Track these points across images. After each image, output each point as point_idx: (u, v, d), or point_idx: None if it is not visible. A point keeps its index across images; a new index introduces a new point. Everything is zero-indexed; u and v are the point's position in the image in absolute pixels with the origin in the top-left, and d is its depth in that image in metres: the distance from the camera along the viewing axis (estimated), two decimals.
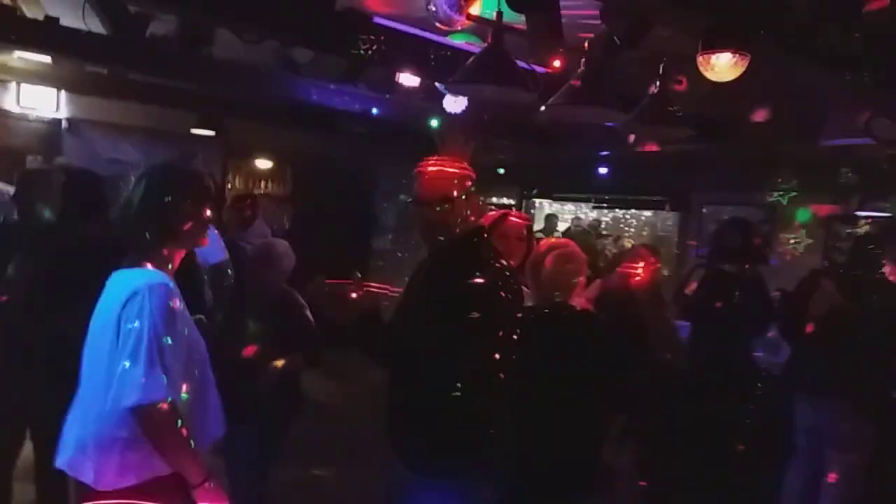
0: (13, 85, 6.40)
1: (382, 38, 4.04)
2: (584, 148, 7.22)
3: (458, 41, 4.36)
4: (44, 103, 6.70)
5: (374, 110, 6.00)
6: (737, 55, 3.03)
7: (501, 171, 8.62)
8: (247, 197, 5.53)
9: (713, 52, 3.05)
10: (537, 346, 2.54)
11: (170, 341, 1.87)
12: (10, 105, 6.54)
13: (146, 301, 1.87)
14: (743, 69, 3.07)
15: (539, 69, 4.05)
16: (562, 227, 10.53)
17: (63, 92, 6.69)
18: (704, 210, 8.16)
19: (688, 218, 8.51)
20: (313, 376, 4.07)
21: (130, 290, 1.90)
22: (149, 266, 1.98)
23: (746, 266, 3.94)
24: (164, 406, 1.82)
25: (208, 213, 2.09)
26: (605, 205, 10.40)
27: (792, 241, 7.17)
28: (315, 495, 4.51)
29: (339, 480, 4.72)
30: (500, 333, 2.27)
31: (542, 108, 3.65)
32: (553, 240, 3.80)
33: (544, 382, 2.60)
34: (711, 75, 3.14)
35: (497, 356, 2.24)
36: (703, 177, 7.54)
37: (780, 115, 5.08)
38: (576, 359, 2.71)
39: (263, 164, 8.62)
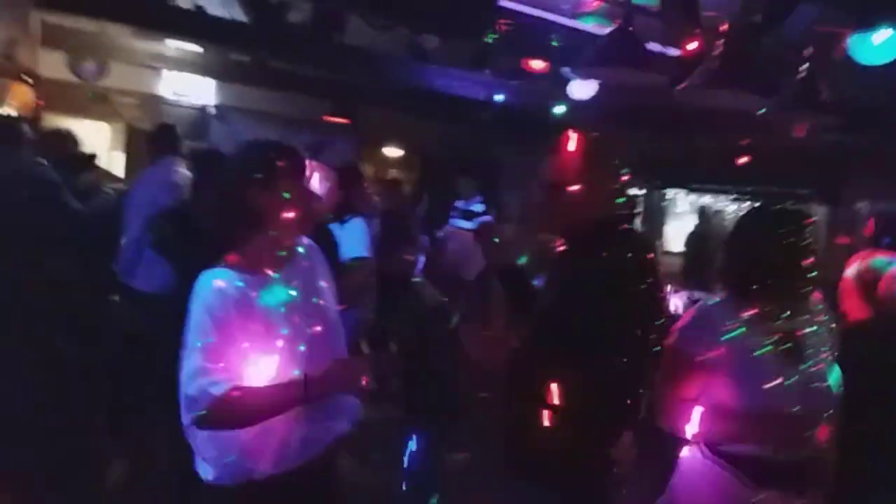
0: (166, 72, 6.88)
1: (508, 22, 3.97)
2: (722, 136, 6.82)
3: (587, 24, 4.22)
4: (194, 90, 7.17)
5: (499, 97, 5.95)
6: None
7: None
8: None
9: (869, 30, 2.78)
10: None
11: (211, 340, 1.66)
12: (164, 91, 7.05)
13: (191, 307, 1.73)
14: None
15: (673, 52, 3.86)
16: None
17: (211, 80, 7.13)
18: (859, 206, 7.51)
19: (838, 213, 7.86)
20: None
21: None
22: (227, 264, 1.76)
23: None
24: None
25: (284, 191, 1.75)
26: (746, 197, 9.77)
27: None
28: None
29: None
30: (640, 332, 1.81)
31: (677, 90, 3.45)
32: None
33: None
34: (866, 57, 2.86)
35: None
36: (857, 170, 6.93)
37: None
38: None
39: (393, 152, 8.80)
